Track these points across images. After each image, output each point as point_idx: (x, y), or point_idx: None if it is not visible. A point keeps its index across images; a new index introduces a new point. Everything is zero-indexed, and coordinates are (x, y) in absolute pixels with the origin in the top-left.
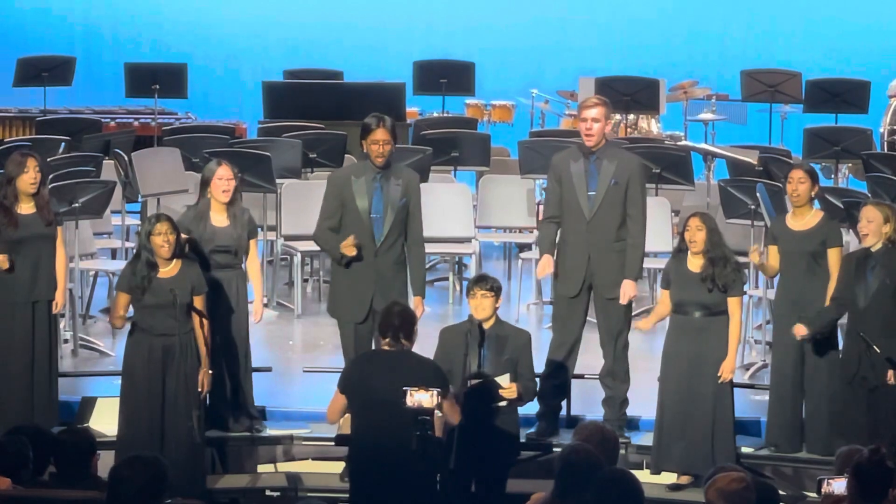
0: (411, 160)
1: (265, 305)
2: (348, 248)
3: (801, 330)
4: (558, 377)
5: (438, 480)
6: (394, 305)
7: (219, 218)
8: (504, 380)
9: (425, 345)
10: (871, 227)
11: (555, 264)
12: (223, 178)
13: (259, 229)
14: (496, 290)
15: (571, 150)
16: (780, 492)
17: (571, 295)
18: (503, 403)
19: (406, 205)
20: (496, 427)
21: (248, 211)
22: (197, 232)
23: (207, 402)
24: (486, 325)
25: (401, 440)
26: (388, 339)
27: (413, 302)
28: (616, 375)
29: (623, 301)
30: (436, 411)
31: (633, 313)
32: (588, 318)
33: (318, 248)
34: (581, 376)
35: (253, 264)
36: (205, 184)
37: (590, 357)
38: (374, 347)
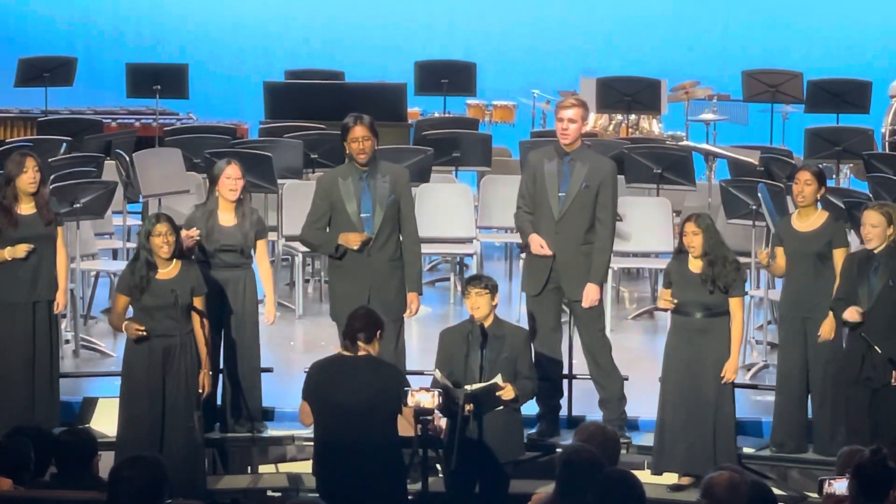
0: (412, 160)
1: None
2: (354, 239)
3: (854, 314)
4: (549, 375)
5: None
6: (359, 309)
7: (227, 217)
8: (497, 379)
9: (427, 345)
10: (876, 232)
11: (523, 262)
12: (231, 177)
13: None
14: (491, 287)
15: (547, 149)
16: (782, 492)
17: (534, 294)
18: (500, 407)
19: (396, 202)
20: (498, 428)
21: (257, 211)
22: (205, 230)
23: (218, 401)
24: (485, 325)
25: (363, 444)
26: (346, 342)
27: (408, 298)
28: (602, 371)
29: (585, 305)
30: (436, 412)
31: (634, 314)
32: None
33: None
34: (581, 377)
35: (263, 264)
36: (213, 182)
37: None
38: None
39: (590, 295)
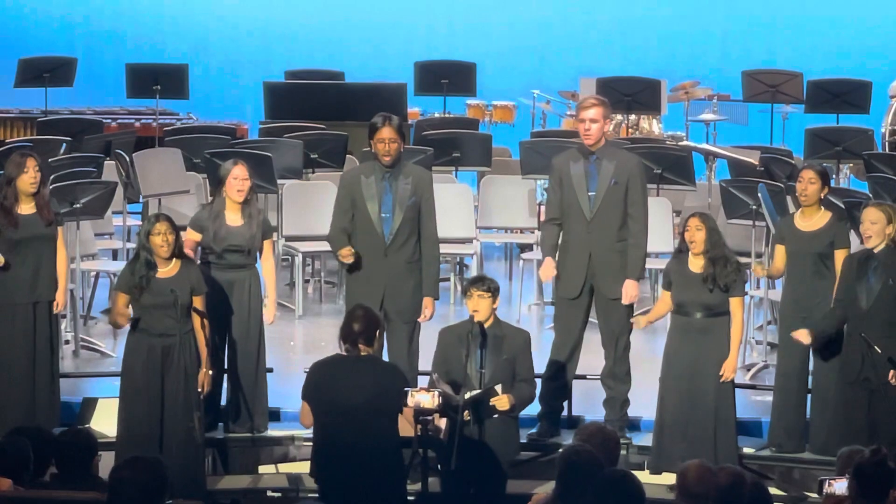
0: (412, 161)
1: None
2: (346, 256)
3: (803, 336)
4: (559, 378)
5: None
6: (356, 309)
7: (233, 217)
8: (497, 388)
9: (429, 346)
10: (875, 229)
11: (556, 266)
12: (238, 177)
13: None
14: (493, 290)
15: (571, 151)
16: (782, 492)
17: (572, 296)
18: (495, 416)
19: (416, 204)
20: (494, 430)
21: (263, 212)
22: (211, 230)
23: (222, 401)
24: (485, 326)
25: (362, 445)
26: (346, 345)
27: (423, 302)
28: (616, 376)
29: (625, 301)
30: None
31: (634, 313)
32: (590, 318)
33: (319, 249)
34: (583, 377)
35: (267, 264)
36: (220, 183)
37: (591, 357)
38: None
39: (629, 291)
